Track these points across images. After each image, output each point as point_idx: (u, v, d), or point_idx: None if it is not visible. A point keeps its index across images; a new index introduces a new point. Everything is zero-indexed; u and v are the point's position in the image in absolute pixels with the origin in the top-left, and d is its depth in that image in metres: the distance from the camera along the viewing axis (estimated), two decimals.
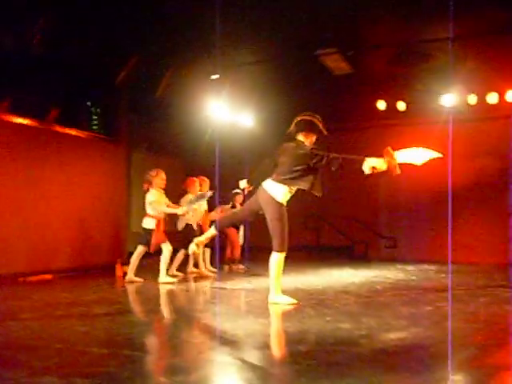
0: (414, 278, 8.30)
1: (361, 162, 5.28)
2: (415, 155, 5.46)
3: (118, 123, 10.41)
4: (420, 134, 12.85)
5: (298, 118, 5.73)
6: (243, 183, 6.58)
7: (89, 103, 10.13)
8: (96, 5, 8.29)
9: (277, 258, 5.52)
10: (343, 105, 12.19)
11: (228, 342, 4.14)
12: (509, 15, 9.10)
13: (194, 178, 8.96)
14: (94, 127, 10.34)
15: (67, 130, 9.50)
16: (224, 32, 8.97)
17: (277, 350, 4.04)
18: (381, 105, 12.13)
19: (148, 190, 7.91)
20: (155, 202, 7.82)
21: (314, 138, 5.71)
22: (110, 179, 10.35)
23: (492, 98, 11.45)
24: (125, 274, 8.62)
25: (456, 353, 3.61)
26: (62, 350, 3.80)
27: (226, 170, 11.16)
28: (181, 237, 8.70)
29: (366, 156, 5.32)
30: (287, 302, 5.58)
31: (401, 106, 12.09)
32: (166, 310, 5.88)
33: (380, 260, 11.74)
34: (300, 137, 5.67)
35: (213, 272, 9.13)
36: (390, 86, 11.76)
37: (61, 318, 5.05)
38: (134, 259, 7.96)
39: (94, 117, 10.30)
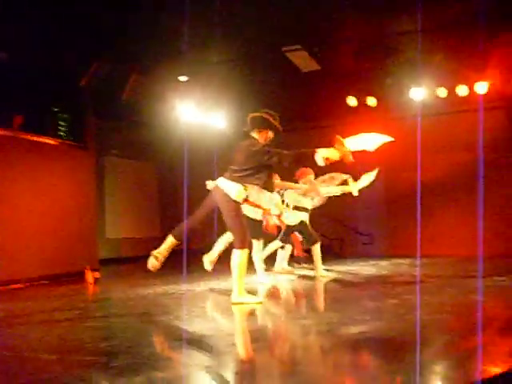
0: (385, 272, 8.26)
1: (313, 155, 5.24)
2: (366, 141, 5.41)
3: (86, 129, 10.24)
4: (391, 129, 12.86)
5: (251, 115, 5.70)
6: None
7: (55, 109, 9.94)
8: (57, 8, 8.16)
9: (239, 256, 5.37)
10: (313, 102, 12.16)
11: (186, 342, 4.04)
12: (476, 7, 9.09)
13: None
14: (61, 133, 10.15)
15: (33, 137, 9.31)
16: (190, 32, 8.90)
17: (237, 347, 3.95)
18: (351, 101, 12.09)
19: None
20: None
21: (268, 135, 5.67)
22: (80, 186, 10.17)
23: (461, 90, 11.45)
24: (95, 280, 8.54)
25: (415, 345, 3.54)
26: (8, 357, 3.68)
27: (196, 170, 11.07)
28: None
29: (317, 147, 5.27)
30: (252, 302, 5.45)
31: (371, 101, 12.06)
32: (128, 315, 5.76)
33: (356, 256, 11.70)
34: (254, 134, 5.63)
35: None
36: (359, 82, 11.74)
37: (17, 326, 4.93)
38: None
39: (61, 123, 10.11)
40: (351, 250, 12.95)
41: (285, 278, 7.84)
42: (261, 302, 5.45)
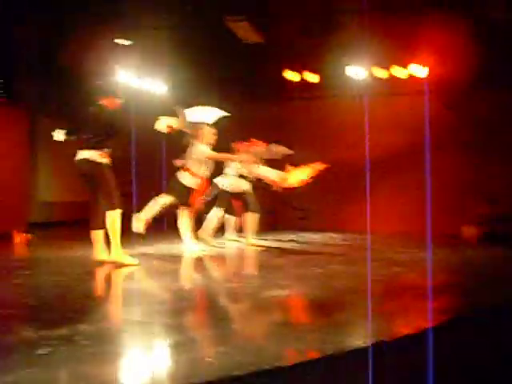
0: (314, 244, 8.44)
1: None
2: (204, 113, 6.24)
3: (20, 87, 10.00)
4: (333, 108, 13.14)
5: (96, 83, 6.20)
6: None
7: None
8: None
9: (111, 217, 5.58)
10: (254, 75, 12.17)
11: (110, 299, 4.09)
12: None
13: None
14: None
15: None
16: None
17: (161, 306, 4.01)
18: (291, 76, 12.17)
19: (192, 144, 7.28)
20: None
21: (116, 101, 5.93)
22: (12, 146, 9.96)
23: (401, 72, 11.67)
24: (27, 241, 8.42)
25: (334, 307, 3.70)
26: None
27: (138, 136, 10.98)
28: None
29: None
30: (129, 263, 5.63)
31: (311, 77, 12.17)
32: (56, 274, 5.74)
33: (289, 230, 11.87)
34: (101, 102, 5.86)
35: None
36: (301, 57, 11.81)
37: None
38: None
39: None
40: (285, 224, 13.13)
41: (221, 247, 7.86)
42: (138, 264, 5.62)
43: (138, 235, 7.01)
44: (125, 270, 5.55)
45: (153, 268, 5.69)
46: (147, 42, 10.56)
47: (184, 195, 6.98)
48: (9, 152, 9.81)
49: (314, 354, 2.72)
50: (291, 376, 2.57)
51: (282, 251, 7.30)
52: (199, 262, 6.08)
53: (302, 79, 12.27)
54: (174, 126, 5.66)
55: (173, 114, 5.99)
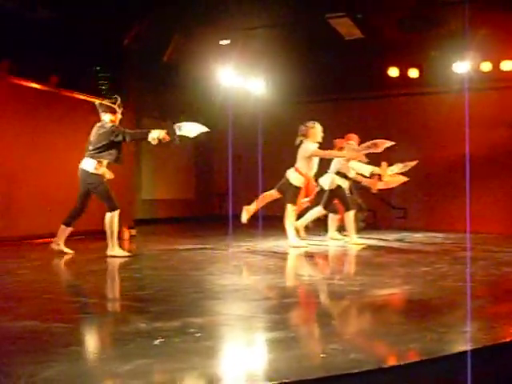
0: (418, 243, 8.24)
1: (146, 135, 6.20)
2: (189, 129, 6.43)
3: (126, 89, 10.34)
4: (434, 103, 12.77)
5: (97, 102, 6.71)
6: None
7: (97, 68, 10.05)
8: None
9: (111, 217, 6.33)
10: (354, 72, 12.02)
11: (220, 295, 4.15)
12: None
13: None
14: (103, 92, 10.28)
15: (74, 94, 9.48)
16: None
17: (266, 302, 4.03)
18: (393, 72, 11.94)
19: (302, 142, 7.44)
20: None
21: (116, 116, 6.58)
22: None
23: (507, 65, 11.20)
24: (131, 237, 8.74)
25: (443, 308, 3.58)
26: (48, 300, 3.84)
27: (236, 136, 11.14)
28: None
29: (152, 129, 6.26)
30: (122, 255, 6.28)
31: (413, 73, 11.89)
32: (162, 268, 5.90)
33: (390, 229, 11.65)
34: (104, 116, 6.52)
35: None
36: (402, 53, 11.56)
37: (56, 275, 5.11)
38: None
39: (102, 82, 10.22)
40: (385, 222, 12.91)
41: (324, 244, 7.83)
42: (127, 256, 6.26)
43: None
44: (228, 266, 5.63)
45: (259, 264, 5.73)
46: (247, 42, 10.69)
47: (291, 194, 7.09)
48: None
49: (418, 355, 2.64)
50: (405, 374, 2.50)
51: (386, 250, 7.18)
52: (304, 260, 6.07)
53: (404, 75, 12.03)
54: (161, 138, 6.14)
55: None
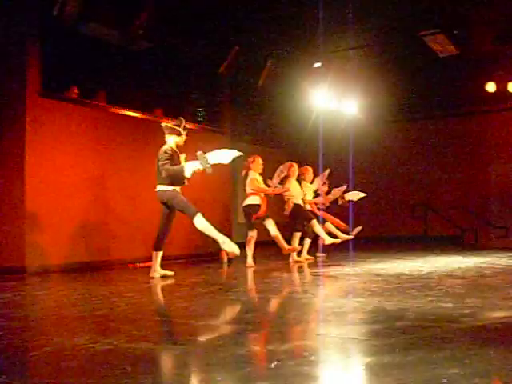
0: None
1: (182, 170, 6.43)
2: (221, 156, 6.49)
3: (222, 114, 10.60)
4: None
5: (163, 124, 6.97)
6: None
7: (194, 95, 10.36)
8: None
9: (199, 221, 6.56)
10: (450, 88, 11.79)
11: (329, 318, 4.13)
12: None
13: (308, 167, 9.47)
14: (200, 119, 10.58)
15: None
16: (325, 18, 8.95)
17: (376, 325, 3.98)
18: (490, 87, 11.61)
19: (247, 174, 8.50)
20: (253, 179, 8.36)
21: (181, 138, 6.92)
22: (216, 170, 10.52)
23: None
24: (229, 259, 8.88)
25: None
26: (160, 322, 3.96)
27: (329, 158, 11.13)
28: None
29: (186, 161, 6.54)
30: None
31: None
32: (265, 291, 5.95)
33: (491, 249, 11.25)
34: (168, 139, 6.87)
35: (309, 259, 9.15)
36: (499, 67, 11.25)
37: (163, 297, 5.25)
38: (249, 246, 8.34)
39: (200, 109, 10.52)
40: (485, 242, 12.50)
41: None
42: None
43: None
44: (328, 289, 5.60)
45: (361, 286, 5.67)
46: (341, 64, 10.71)
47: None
48: (214, 177, 10.38)
49: None
50: None
51: (494, 271, 6.93)
52: (408, 282, 5.96)
53: (502, 89, 11.68)
54: (197, 170, 6.38)
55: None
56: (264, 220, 8.26)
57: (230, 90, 10.67)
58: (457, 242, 12.36)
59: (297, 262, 8.76)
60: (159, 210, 9.25)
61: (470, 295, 4.87)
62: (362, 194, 9.40)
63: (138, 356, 3.02)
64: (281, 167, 8.90)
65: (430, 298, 4.68)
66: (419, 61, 10.92)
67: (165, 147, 6.69)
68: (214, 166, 6.37)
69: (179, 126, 6.85)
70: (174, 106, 9.87)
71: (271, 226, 8.25)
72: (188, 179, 6.57)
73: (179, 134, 6.82)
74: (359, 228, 9.68)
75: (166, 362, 2.98)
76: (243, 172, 8.54)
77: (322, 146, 10.64)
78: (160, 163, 6.51)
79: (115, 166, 8.86)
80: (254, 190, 8.34)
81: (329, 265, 8.21)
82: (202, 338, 3.46)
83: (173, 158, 6.60)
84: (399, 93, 11.72)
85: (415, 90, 11.92)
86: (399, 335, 3.43)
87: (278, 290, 5.81)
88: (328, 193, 9.73)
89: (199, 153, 6.35)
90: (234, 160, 6.75)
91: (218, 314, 4.33)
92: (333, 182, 10.39)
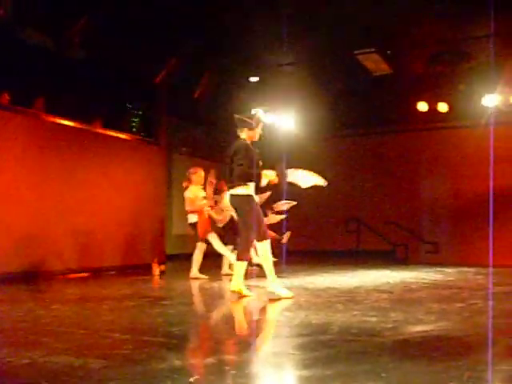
0: (450, 278, 8.14)
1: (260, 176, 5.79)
2: (302, 178, 6.09)
3: (158, 125, 10.54)
4: (463, 137, 12.72)
5: (236, 116, 6.15)
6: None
7: (129, 105, 10.26)
8: (135, 6, 8.45)
9: (265, 247, 5.80)
10: (383, 107, 12.07)
11: (255, 332, 4.14)
12: None
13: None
14: (134, 129, 10.48)
15: (109, 132, 9.67)
16: (262, 33, 9.03)
17: (301, 339, 4.01)
18: (422, 106, 11.95)
19: (187, 187, 8.31)
20: (190, 198, 8.22)
21: (255, 132, 6.06)
22: (151, 181, 10.48)
23: None
24: (161, 272, 8.80)
25: (481, 345, 3.53)
26: (84, 335, 3.87)
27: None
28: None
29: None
30: (284, 295, 5.75)
31: (442, 107, 11.89)
32: (193, 303, 5.92)
33: (421, 264, 11.53)
34: (241, 133, 6.06)
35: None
36: (431, 87, 11.60)
37: (90, 309, 5.15)
38: (197, 256, 8.21)
39: (134, 119, 10.43)
40: (415, 257, 12.80)
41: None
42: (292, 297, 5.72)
43: None
44: (253, 301, 5.63)
45: (289, 300, 5.71)
46: (278, 79, 10.81)
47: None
48: (148, 186, 10.32)
49: None
50: None
51: (420, 285, 7.10)
52: (335, 296, 6.03)
53: (433, 109, 12.03)
54: (272, 181, 5.85)
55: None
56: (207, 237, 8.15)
57: (167, 101, 10.61)
58: (388, 257, 12.61)
59: (228, 274, 8.75)
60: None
61: (395, 309, 4.97)
62: (293, 203, 9.37)
63: (56, 370, 2.95)
64: (209, 178, 8.75)
65: (355, 312, 4.76)
66: (354, 78, 11.15)
67: (239, 140, 6.02)
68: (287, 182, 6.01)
69: (251, 118, 6.09)
70: (111, 116, 9.75)
71: (214, 241, 8.20)
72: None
73: (251, 128, 6.04)
74: (288, 233, 9.63)
75: (84, 376, 2.91)
76: (184, 184, 8.40)
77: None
78: (238, 155, 5.82)
79: (48, 175, 8.64)
80: (192, 210, 8.25)
81: (261, 277, 8.21)
82: (124, 352, 3.40)
83: (247, 155, 5.83)
84: (335, 109, 11.92)
85: (351, 107, 12.15)
86: (322, 349, 3.46)
87: (208, 303, 5.79)
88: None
89: (278, 163, 6.10)
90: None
91: (144, 328, 4.26)
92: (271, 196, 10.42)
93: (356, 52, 9.88)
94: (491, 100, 11.08)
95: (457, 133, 12.83)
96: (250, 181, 5.77)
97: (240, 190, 5.77)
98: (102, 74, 9.04)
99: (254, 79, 10.89)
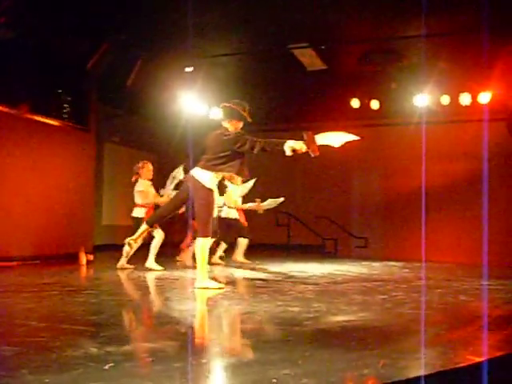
0: (376, 272, 8.32)
1: (282, 144, 5.41)
2: (333, 138, 5.70)
3: (89, 112, 10.28)
4: (394, 135, 13.00)
5: (222, 105, 5.91)
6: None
7: (59, 91, 9.97)
8: None
9: (202, 244, 5.58)
10: (316, 102, 12.18)
11: (173, 322, 4.10)
12: (483, 14, 9.12)
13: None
14: (64, 116, 10.19)
15: (37, 118, 9.36)
16: (197, 22, 8.94)
17: (220, 328, 4.00)
18: (354, 103, 12.13)
19: (137, 180, 8.21)
20: (143, 192, 8.10)
21: (239, 125, 5.79)
22: (80, 169, 10.22)
23: (465, 99, 11.47)
24: (88, 262, 8.63)
25: (398, 335, 3.61)
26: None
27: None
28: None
29: (290, 139, 5.47)
30: (215, 287, 5.63)
31: (374, 104, 12.10)
32: (118, 294, 5.81)
33: (350, 258, 11.74)
34: (225, 124, 5.81)
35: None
36: (363, 84, 11.78)
37: (9, 297, 5.00)
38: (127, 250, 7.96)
39: (65, 105, 10.14)
40: (345, 251, 13.02)
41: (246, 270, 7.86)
42: (222, 288, 5.65)
43: None
44: (180, 291, 5.59)
45: (215, 291, 5.69)
46: (211, 69, 10.75)
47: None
48: (77, 174, 10.07)
49: (371, 381, 2.65)
50: None
51: (345, 278, 7.22)
52: (261, 287, 6.06)
53: (365, 106, 12.22)
54: (299, 150, 5.42)
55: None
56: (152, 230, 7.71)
57: (99, 89, 10.37)
58: (318, 251, 12.77)
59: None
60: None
61: (318, 300, 5.03)
62: (280, 200, 9.23)
63: None
64: (172, 173, 8.64)
65: (279, 303, 4.78)
66: (289, 72, 11.20)
67: (228, 130, 5.70)
68: (321, 147, 5.50)
69: (243, 110, 5.77)
70: (39, 101, 9.45)
71: (158, 236, 8.00)
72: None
73: (240, 120, 5.76)
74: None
75: None
76: (133, 178, 8.22)
77: (192, 152, 10.58)
78: (242, 142, 5.47)
79: None
80: (144, 204, 8.07)
81: (190, 269, 8.17)
82: (40, 339, 3.30)
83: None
84: (270, 102, 11.94)
85: (285, 101, 12.21)
86: (241, 338, 3.47)
87: (132, 293, 5.70)
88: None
89: (308, 133, 5.46)
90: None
91: (63, 316, 4.15)
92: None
93: (290, 46, 9.93)
94: (422, 100, 11.36)
95: (389, 130, 13.10)
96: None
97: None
98: (30, 57, 8.75)
99: (188, 69, 10.77)
